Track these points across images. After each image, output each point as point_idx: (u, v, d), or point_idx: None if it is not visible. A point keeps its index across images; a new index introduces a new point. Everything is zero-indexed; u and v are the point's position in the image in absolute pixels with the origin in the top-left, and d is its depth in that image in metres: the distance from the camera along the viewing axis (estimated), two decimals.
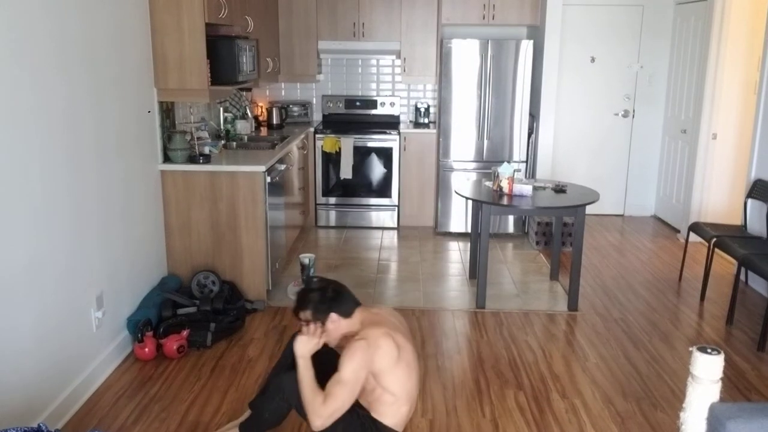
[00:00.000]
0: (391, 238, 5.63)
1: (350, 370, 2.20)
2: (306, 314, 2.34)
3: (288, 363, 2.53)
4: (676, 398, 3.05)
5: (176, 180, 3.88)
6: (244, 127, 5.27)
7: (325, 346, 2.47)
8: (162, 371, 3.25)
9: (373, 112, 6.18)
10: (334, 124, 6.00)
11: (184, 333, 3.42)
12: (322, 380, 2.27)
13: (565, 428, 2.82)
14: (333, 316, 2.33)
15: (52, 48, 2.67)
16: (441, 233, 5.78)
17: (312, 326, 2.32)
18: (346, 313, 2.35)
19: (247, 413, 2.56)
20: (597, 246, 5.46)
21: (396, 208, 5.90)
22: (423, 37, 5.82)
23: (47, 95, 2.65)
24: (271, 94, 6.24)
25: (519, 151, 5.59)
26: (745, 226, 4.59)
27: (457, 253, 5.26)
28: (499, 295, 4.33)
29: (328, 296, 2.35)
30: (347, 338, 2.39)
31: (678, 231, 5.84)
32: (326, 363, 2.39)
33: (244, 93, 5.57)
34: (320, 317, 2.33)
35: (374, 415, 2.33)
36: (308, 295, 2.36)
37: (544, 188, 4.27)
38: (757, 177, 4.53)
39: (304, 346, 2.28)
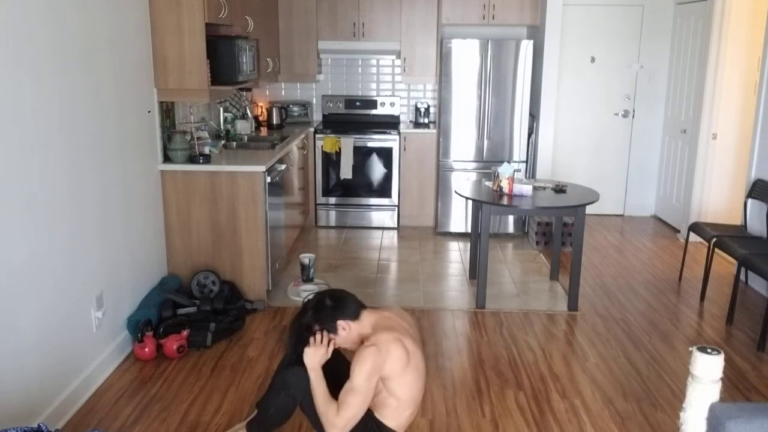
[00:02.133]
0: (391, 238, 5.63)
1: (362, 377, 2.18)
2: (316, 329, 2.32)
3: (292, 359, 2.53)
4: (676, 398, 3.05)
5: (176, 180, 3.88)
6: (244, 127, 5.27)
7: (337, 355, 2.47)
8: (162, 371, 3.25)
9: (373, 112, 6.18)
10: (334, 124, 6.00)
11: (184, 333, 3.42)
12: (337, 388, 2.26)
13: (565, 428, 2.82)
14: (340, 323, 2.31)
15: (51, 48, 2.67)
16: (441, 233, 5.78)
17: (318, 336, 2.30)
18: (353, 316, 2.33)
19: (255, 413, 2.56)
20: (597, 246, 5.46)
21: (396, 208, 5.90)
22: (423, 37, 5.82)
23: (47, 95, 2.65)
24: (271, 94, 6.24)
25: (519, 151, 5.59)
26: (745, 226, 4.59)
27: (457, 253, 5.26)
28: (499, 295, 4.33)
29: (327, 305, 2.33)
30: (360, 343, 2.37)
31: (678, 231, 5.85)
32: (338, 372, 2.39)
33: (244, 93, 5.57)
34: (329, 328, 2.31)
35: (377, 415, 2.32)
36: (308, 311, 2.34)
37: (544, 188, 4.27)
38: (757, 177, 4.53)
39: (313, 358, 2.27)
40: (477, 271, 4.19)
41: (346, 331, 2.32)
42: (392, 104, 6.15)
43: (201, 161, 3.91)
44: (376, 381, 2.22)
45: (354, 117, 6.17)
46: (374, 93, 6.28)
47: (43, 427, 1.95)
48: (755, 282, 4.53)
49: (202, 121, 4.60)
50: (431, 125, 5.97)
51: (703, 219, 5.42)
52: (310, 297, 2.42)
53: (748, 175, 4.66)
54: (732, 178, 5.47)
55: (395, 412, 2.32)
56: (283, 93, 6.25)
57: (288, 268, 4.75)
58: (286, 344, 2.39)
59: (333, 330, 2.31)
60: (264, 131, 5.63)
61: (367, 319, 2.36)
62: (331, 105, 6.15)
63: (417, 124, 6.03)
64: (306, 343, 2.32)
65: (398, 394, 2.29)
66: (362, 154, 5.76)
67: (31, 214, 2.56)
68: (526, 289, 4.48)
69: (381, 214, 5.91)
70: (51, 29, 2.66)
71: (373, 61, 6.22)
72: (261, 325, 3.82)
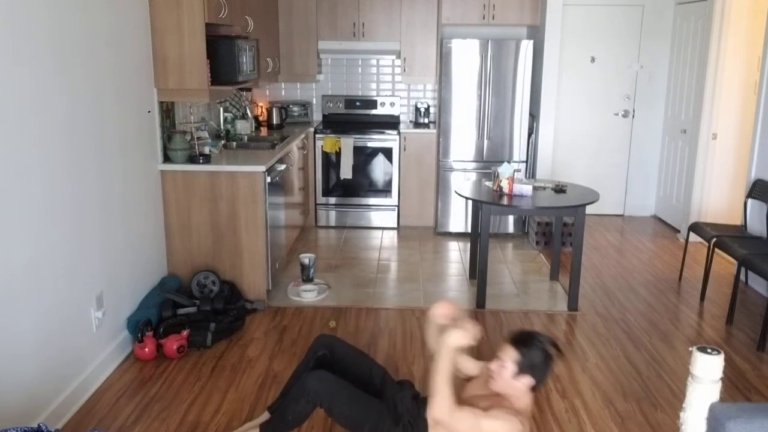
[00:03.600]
0: (391, 238, 5.63)
1: (491, 429, 2.08)
2: (515, 355, 2.17)
3: (309, 365, 2.53)
4: (676, 398, 3.05)
5: (176, 180, 3.88)
6: (244, 127, 5.27)
7: (360, 355, 2.46)
8: (162, 371, 3.25)
9: (373, 112, 6.18)
10: (334, 124, 6.00)
11: (184, 333, 3.42)
12: (359, 385, 2.27)
13: (565, 428, 2.82)
14: (528, 380, 2.18)
15: (52, 48, 2.67)
16: (441, 233, 5.78)
17: (470, 326, 2.17)
18: (536, 388, 2.22)
19: (265, 415, 2.55)
20: (597, 246, 5.46)
21: (396, 208, 5.90)
22: (423, 37, 5.82)
23: (47, 95, 2.65)
24: (271, 94, 6.24)
25: (519, 151, 5.59)
26: (745, 226, 4.59)
27: (457, 253, 5.26)
28: (499, 295, 4.33)
29: (544, 362, 2.18)
30: (491, 392, 2.25)
31: (678, 231, 5.85)
32: (358, 369, 2.41)
33: (244, 93, 5.57)
34: (521, 370, 2.17)
35: None
36: (536, 346, 2.18)
37: (544, 188, 4.27)
38: (757, 177, 4.53)
39: (458, 340, 2.14)
40: (477, 271, 4.19)
41: (519, 385, 2.19)
42: (392, 104, 6.15)
43: (201, 161, 3.91)
44: None
45: (354, 117, 6.17)
46: (374, 93, 6.28)
47: (43, 427, 1.95)
48: (755, 282, 4.53)
49: (202, 121, 4.60)
50: (431, 125, 5.97)
51: (703, 219, 5.42)
52: (552, 344, 2.25)
53: (748, 175, 4.66)
54: (732, 178, 5.47)
55: None
56: (283, 93, 6.25)
57: (288, 268, 4.75)
58: (518, 353, 2.19)
59: (519, 372, 2.17)
60: (264, 131, 5.63)
61: (528, 398, 2.24)
62: (331, 105, 6.15)
63: (417, 124, 6.03)
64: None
65: None
66: (362, 154, 5.76)
67: (31, 215, 2.56)
68: (526, 289, 4.48)
69: (381, 214, 5.91)
70: (51, 29, 2.66)
71: (373, 61, 6.22)
72: (261, 325, 3.82)
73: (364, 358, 2.59)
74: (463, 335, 2.14)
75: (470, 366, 2.44)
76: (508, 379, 2.17)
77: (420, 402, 2.38)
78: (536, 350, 2.17)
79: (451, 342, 2.14)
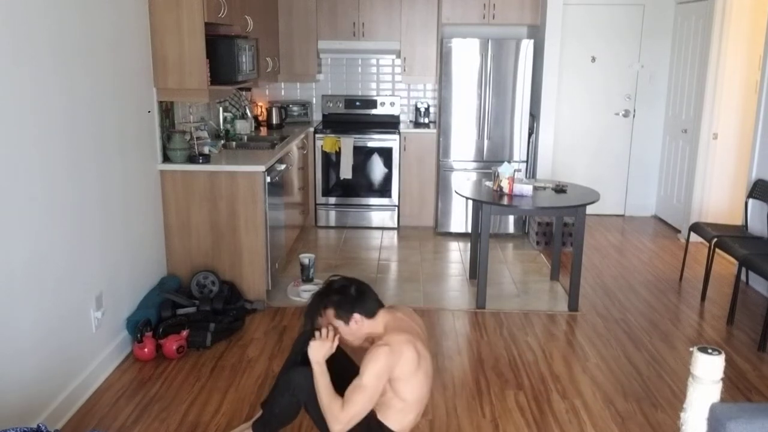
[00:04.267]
0: (391, 238, 5.62)
1: (372, 376, 2.17)
2: (328, 313, 2.29)
3: (297, 359, 2.53)
4: (677, 398, 3.05)
5: (176, 180, 3.87)
6: (243, 127, 5.26)
7: (339, 351, 2.46)
8: (161, 371, 3.25)
9: (373, 111, 6.17)
10: (334, 123, 5.99)
11: (184, 333, 3.41)
12: (340, 385, 2.25)
13: (566, 428, 2.82)
14: (356, 316, 2.28)
15: (52, 48, 2.67)
16: (441, 233, 5.78)
17: (324, 331, 2.29)
18: (370, 313, 2.31)
19: (260, 413, 2.55)
20: (597, 246, 5.45)
21: (396, 208, 5.89)
22: (423, 37, 5.81)
23: (47, 95, 2.64)
24: (270, 94, 6.23)
25: (519, 150, 5.58)
26: (745, 226, 4.58)
27: (457, 253, 5.26)
28: (499, 295, 4.33)
29: (351, 295, 2.29)
30: (367, 341, 2.35)
31: (679, 231, 5.84)
32: (341, 368, 2.38)
33: (244, 93, 5.57)
34: (343, 317, 2.28)
35: (380, 417, 2.31)
36: (330, 294, 2.31)
37: (544, 188, 4.26)
38: (758, 177, 4.52)
39: (318, 352, 2.24)
40: (477, 271, 4.18)
41: (357, 326, 2.30)
42: (392, 104, 6.15)
43: (200, 161, 3.90)
44: (385, 381, 2.21)
45: (354, 117, 6.17)
46: (374, 93, 6.28)
47: (43, 428, 1.94)
48: (756, 282, 4.52)
49: (202, 120, 4.60)
50: (431, 125, 5.97)
51: (704, 219, 5.41)
52: (336, 278, 2.37)
53: (748, 175, 4.66)
54: (733, 178, 5.46)
55: (399, 415, 2.31)
56: (282, 93, 6.25)
57: (288, 268, 4.75)
58: (305, 320, 2.33)
59: (346, 320, 2.29)
60: (264, 131, 5.63)
61: (381, 318, 2.34)
62: (331, 105, 6.15)
63: (417, 124, 6.03)
64: (313, 326, 2.31)
65: (405, 396, 2.27)
66: (362, 154, 5.76)
67: (31, 215, 2.55)
68: (527, 289, 4.48)
69: (381, 214, 5.90)
70: (51, 29, 2.66)
71: (373, 61, 6.22)
72: (261, 325, 3.82)
73: (345, 355, 2.57)
74: (321, 345, 2.25)
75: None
76: (347, 331, 2.30)
77: None
78: (332, 290, 2.30)
79: (313, 356, 2.24)
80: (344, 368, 2.41)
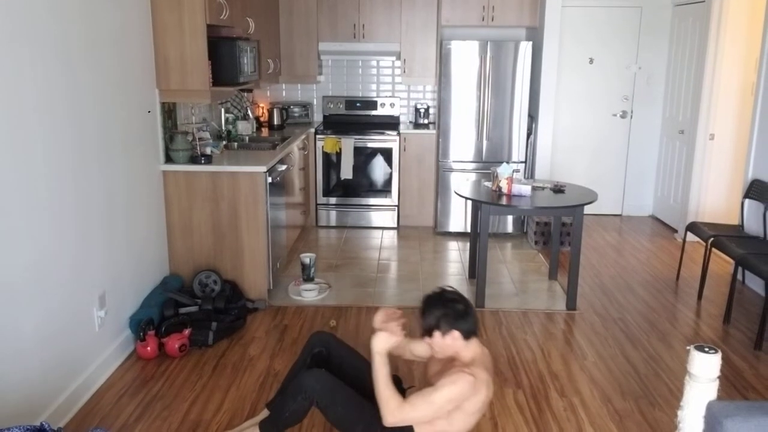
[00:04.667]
0: (391, 238, 5.65)
1: (446, 397, 2.18)
2: (429, 320, 2.28)
3: (306, 362, 2.55)
4: (674, 397, 3.08)
5: (178, 180, 3.90)
6: (245, 128, 5.28)
7: (358, 358, 2.50)
8: (164, 370, 3.27)
9: (374, 112, 6.20)
10: (335, 124, 6.02)
11: (186, 332, 3.44)
12: (353, 385, 2.29)
13: (564, 427, 2.84)
14: (455, 333, 2.27)
15: (55, 49, 2.69)
16: (440, 233, 5.80)
17: (392, 324, 2.30)
18: (467, 336, 2.30)
19: (264, 412, 2.57)
20: (595, 246, 5.49)
21: (396, 208, 5.92)
22: (423, 39, 5.84)
23: (51, 96, 2.67)
24: (272, 95, 6.25)
25: (518, 151, 5.61)
26: (742, 225, 4.61)
27: (456, 253, 5.29)
28: (498, 295, 4.36)
29: (458, 311, 2.28)
30: (449, 361, 2.32)
31: (676, 231, 5.87)
32: (353, 370, 2.43)
33: (245, 94, 5.59)
34: (443, 329, 2.26)
35: (417, 430, 2.29)
36: (441, 302, 2.30)
37: (542, 188, 4.29)
38: (754, 177, 4.55)
39: (384, 343, 2.26)
40: (476, 270, 4.21)
41: (451, 342, 2.28)
42: (392, 105, 6.17)
43: (202, 162, 3.93)
44: (453, 406, 2.21)
45: (354, 118, 6.20)
46: (374, 94, 6.30)
47: (46, 426, 1.96)
48: (752, 281, 4.55)
49: (204, 121, 4.62)
50: (431, 126, 5.99)
51: (701, 219, 5.44)
52: (450, 289, 2.37)
53: (745, 176, 4.69)
54: (729, 179, 5.50)
55: None
56: (283, 94, 6.27)
57: (289, 267, 4.78)
58: (422, 319, 2.31)
59: (443, 332, 2.27)
60: (265, 132, 5.65)
61: (473, 346, 2.33)
62: (332, 106, 6.18)
63: (417, 125, 6.05)
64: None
65: (455, 426, 2.27)
66: (362, 155, 5.79)
67: (35, 215, 2.58)
68: (525, 288, 4.51)
69: (381, 214, 5.93)
70: (55, 31, 2.68)
71: (373, 62, 6.24)
72: (262, 324, 3.84)
73: (360, 358, 2.60)
74: (386, 337, 2.27)
75: (422, 349, 2.53)
76: (440, 343, 2.29)
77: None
78: (435, 309, 2.29)
79: (376, 346, 2.26)
80: (359, 374, 2.46)
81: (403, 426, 2.27)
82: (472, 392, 2.21)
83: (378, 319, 2.44)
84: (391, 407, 2.19)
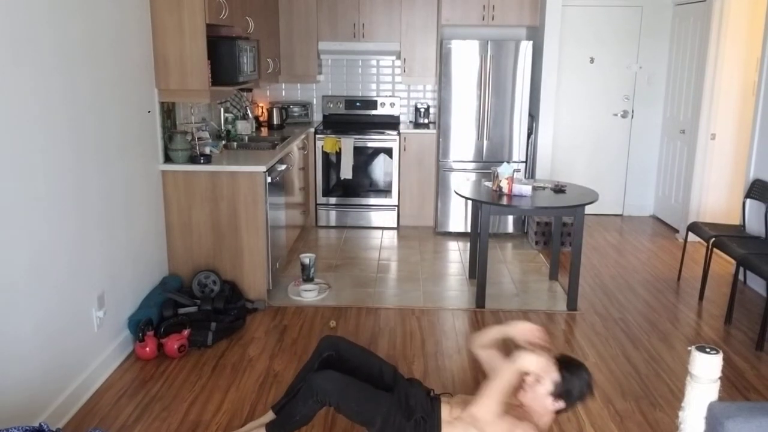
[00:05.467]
0: (391, 238, 5.64)
1: (494, 421, 2.13)
2: (557, 377, 2.19)
3: (314, 366, 2.54)
4: (675, 397, 3.07)
5: (177, 180, 3.89)
6: (244, 128, 5.28)
7: (368, 355, 2.51)
8: (163, 370, 3.26)
9: (373, 112, 6.19)
10: (335, 124, 6.01)
11: (185, 332, 3.43)
12: (363, 381, 2.30)
13: (564, 427, 2.83)
14: (560, 403, 2.22)
15: (55, 49, 2.68)
16: (441, 233, 5.80)
17: (547, 361, 2.20)
18: (562, 411, 2.26)
19: (269, 414, 2.55)
20: (596, 246, 5.47)
21: (396, 208, 5.91)
22: (423, 38, 5.83)
23: (50, 96, 2.66)
24: (271, 95, 6.25)
25: (518, 151, 5.60)
26: (743, 226, 4.60)
27: (456, 253, 5.28)
28: (498, 295, 4.35)
29: (576, 390, 2.21)
30: (521, 411, 2.28)
31: (677, 231, 5.86)
32: (367, 368, 2.43)
33: (245, 93, 5.58)
34: (553, 393, 2.20)
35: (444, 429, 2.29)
36: (580, 377, 2.22)
37: (543, 188, 4.28)
38: (755, 177, 4.54)
39: (535, 364, 2.17)
40: (477, 270, 4.20)
41: (548, 406, 2.22)
42: (392, 105, 6.17)
43: (202, 161, 3.92)
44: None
45: (354, 117, 6.19)
46: (374, 93, 6.29)
47: (45, 426, 1.95)
48: (754, 282, 4.54)
49: (203, 121, 4.61)
50: (431, 125, 5.98)
51: (702, 219, 5.43)
52: (585, 367, 2.28)
53: (746, 175, 4.68)
54: (730, 178, 5.49)
55: None
56: (283, 93, 6.26)
57: (288, 267, 4.77)
58: (564, 377, 2.22)
59: (552, 395, 2.20)
60: (264, 131, 5.65)
61: (548, 420, 2.29)
62: (332, 105, 6.17)
63: (417, 125, 6.05)
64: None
65: None
66: (362, 155, 5.78)
67: (34, 214, 2.57)
68: (526, 288, 4.50)
69: (381, 214, 5.92)
70: (54, 30, 2.67)
71: (373, 62, 6.23)
72: (261, 324, 3.84)
73: (372, 357, 2.59)
74: (538, 363, 2.17)
75: (501, 366, 2.43)
76: (541, 395, 2.20)
77: (434, 400, 2.40)
78: (579, 380, 2.21)
79: (526, 364, 2.16)
80: (366, 364, 2.47)
81: (428, 423, 2.28)
82: None
83: (527, 330, 2.33)
84: (492, 410, 2.12)
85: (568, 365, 2.24)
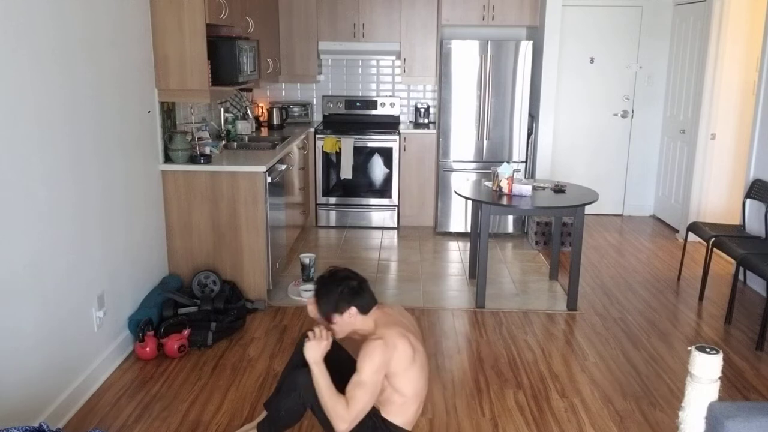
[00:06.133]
0: (391, 238, 5.64)
1: (370, 371, 2.19)
2: (327, 305, 2.30)
3: (300, 360, 2.53)
4: (675, 397, 3.07)
5: (177, 180, 3.89)
6: (244, 128, 5.28)
7: (338, 348, 2.47)
8: (163, 371, 3.26)
9: (373, 112, 6.19)
10: (335, 124, 6.01)
11: (185, 332, 3.43)
12: (341, 381, 2.26)
13: (565, 427, 2.83)
14: (353, 309, 2.31)
15: (54, 48, 2.68)
16: (441, 233, 5.80)
17: (317, 330, 2.30)
18: (365, 309, 2.33)
19: (264, 413, 2.56)
20: (596, 246, 5.47)
21: (396, 208, 5.91)
22: (423, 38, 5.83)
23: (49, 96, 2.66)
24: (271, 95, 6.25)
25: (518, 151, 5.60)
26: (743, 226, 4.60)
27: (456, 253, 5.28)
28: (498, 295, 4.35)
29: (353, 288, 2.31)
30: (357, 335, 2.37)
31: (677, 231, 5.86)
32: (340, 364, 2.39)
33: (245, 93, 5.58)
34: (340, 308, 2.30)
35: (384, 414, 2.33)
36: (333, 283, 2.32)
37: (543, 188, 4.28)
38: (755, 177, 4.54)
39: (315, 352, 2.25)
40: (477, 270, 4.20)
41: (350, 319, 2.32)
42: (392, 105, 6.17)
43: (202, 161, 3.92)
44: (383, 375, 2.23)
45: (354, 117, 6.19)
46: (374, 93, 6.29)
47: (45, 426, 1.95)
48: (754, 282, 4.54)
49: (203, 121, 4.61)
50: (431, 125, 5.98)
51: (702, 219, 5.43)
52: (339, 268, 2.40)
53: (746, 175, 4.68)
54: (730, 178, 5.49)
55: (401, 409, 2.33)
56: (283, 93, 6.26)
57: (288, 267, 4.77)
58: (319, 304, 2.35)
59: (341, 311, 2.30)
60: (264, 131, 5.65)
61: (372, 315, 2.36)
62: (332, 105, 6.17)
63: (417, 125, 6.05)
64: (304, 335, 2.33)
65: (403, 391, 2.30)
66: (362, 155, 5.78)
67: (33, 214, 2.57)
68: (526, 288, 4.50)
69: (381, 214, 5.92)
70: (54, 30, 2.67)
71: (373, 62, 6.23)
72: (261, 324, 3.84)
73: (343, 350, 2.59)
74: (316, 346, 2.25)
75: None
76: (340, 323, 2.32)
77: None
78: (334, 287, 2.31)
79: (310, 357, 2.24)
80: (342, 364, 2.43)
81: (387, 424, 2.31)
82: (390, 351, 2.21)
83: (312, 309, 2.42)
84: (339, 413, 2.19)
85: (318, 291, 2.34)
